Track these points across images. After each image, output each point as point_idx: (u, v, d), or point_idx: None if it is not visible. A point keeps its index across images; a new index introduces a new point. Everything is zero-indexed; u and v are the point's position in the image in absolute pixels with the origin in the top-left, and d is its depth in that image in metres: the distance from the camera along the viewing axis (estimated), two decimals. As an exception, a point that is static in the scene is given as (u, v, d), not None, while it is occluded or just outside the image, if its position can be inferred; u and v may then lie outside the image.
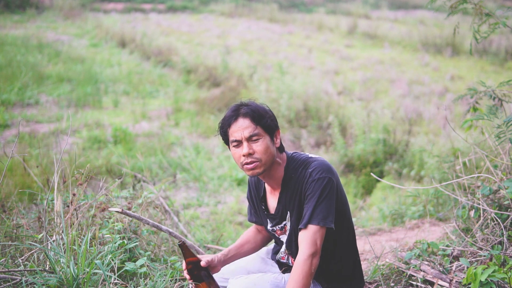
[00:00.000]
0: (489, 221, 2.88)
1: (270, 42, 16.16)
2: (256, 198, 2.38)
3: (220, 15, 22.45)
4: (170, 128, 8.20)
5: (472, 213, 3.06)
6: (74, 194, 2.84)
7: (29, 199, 4.25)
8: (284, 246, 2.33)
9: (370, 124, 7.17)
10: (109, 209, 2.77)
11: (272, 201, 2.31)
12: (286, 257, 2.37)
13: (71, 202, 2.81)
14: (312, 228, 2.07)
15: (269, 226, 2.35)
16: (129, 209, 3.08)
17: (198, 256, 2.20)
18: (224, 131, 2.19)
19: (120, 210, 2.72)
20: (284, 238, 2.33)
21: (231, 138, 2.16)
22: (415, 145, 6.53)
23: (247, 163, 2.13)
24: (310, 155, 2.23)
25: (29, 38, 13.66)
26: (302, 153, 2.28)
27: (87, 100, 9.16)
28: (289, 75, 10.79)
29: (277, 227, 2.31)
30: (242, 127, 2.13)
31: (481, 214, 2.93)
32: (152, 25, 18.29)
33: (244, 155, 2.12)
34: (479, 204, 2.95)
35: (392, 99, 9.36)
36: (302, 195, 2.16)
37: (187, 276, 2.15)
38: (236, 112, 2.16)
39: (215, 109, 9.19)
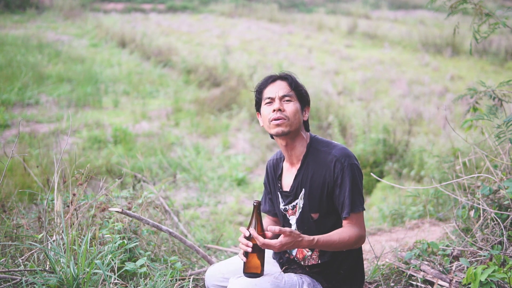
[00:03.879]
0: (489, 221, 2.89)
1: (270, 42, 16.16)
2: (274, 178, 2.44)
3: (220, 15, 22.46)
4: (170, 128, 8.20)
5: (472, 213, 3.06)
6: (74, 194, 2.84)
7: (29, 199, 4.25)
8: (294, 227, 2.34)
9: (370, 124, 7.17)
10: (109, 209, 2.77)
11: (288, 178, 2.35)
12: None
13: (71, 202, 2.81)
14: (355, 216, 2.19)
15: (281, 205, 2.37)
16: (129, 209, 3.08)
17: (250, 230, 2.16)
18: (259, 91, 2.32)
19: (120, 210, 2.72)
20: (293, 219, 2.34)
21: (265, 95, 2.28)
22: (415, 145, 6.53)
23: (275, 119, 2.21)
24: (331, 140, 2.33)
25: (29, 38, 13.66)
26: (323, 137, 2.37)
27: (87, 100, 9.16)
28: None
29: (289, 206, 2.34)
30: (278, 87, 2.27)
31: (481, 214, 2.93)
32: (152, 25, 18.30)
33: (274, 110, 2.22)
34: (479, 204, 2.95)
35: (392, 99, 9.37)
36: (325, 177, 2.21)
37: (244, 241, 2.13)
38: (275, 75, 2.33)
39: (215, 109, 9.19)
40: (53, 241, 2.64)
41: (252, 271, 2.16)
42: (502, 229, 2.73)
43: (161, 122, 8.42)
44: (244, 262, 2.16)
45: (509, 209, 2.88)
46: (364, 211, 2.25)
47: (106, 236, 2.74)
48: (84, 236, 2.73)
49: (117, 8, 22.52)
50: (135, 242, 2.78)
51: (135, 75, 11.41)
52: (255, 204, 2.14)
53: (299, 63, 12.66)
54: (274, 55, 13.79)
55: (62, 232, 2.62)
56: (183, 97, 9.87)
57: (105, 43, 14.98)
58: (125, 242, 2.73)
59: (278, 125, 2.22)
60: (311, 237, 2.08)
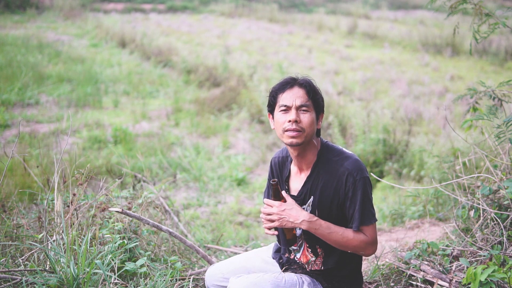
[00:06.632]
0: (489, 221, 2.89)
1: (270, 42, 16.16)
2: (279, 178, 2.40)
3: (220, 15, 22.47)
4: (170, 128, 8.20)
5: (472, 213, 3.06)
6: (74, 194, 2.84)
7: (29, 199, 4.25)
8: (300, 231, 2.32)
9: (370, 124, 7.17)
10: (109, 209, 2.77)
11: (296, 183, 2.31)
12: (299, 243, 2.35)
13: (71, 202, 2.81)
14: (365, 229, 2.16)
15: None
16: (129, 209, 3.08)
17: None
18: (274, 95, 2.24)
19: (120, 210, 2.72)
20: None
21: (281, 102, 2.19)
22: (415, 145, 6.52)
23: (290, 130, 2.16)
24: (343, 149, 2.28)
25: (29, 38, 13.67)
26: (334, 144, 2.32)
27: (87, 100, 9.16)
28: (289, 75, 10.77)
29: None
30: (296, 95, 2.18)
31: (481, 214, 2.93)
32: (152, 25, 18.30)
33: (290, 121, 2.15)
34: (479, 204, 2.95)
35: (392, 99, 9.36)
36: (336, 188, 2.18)
37: (265, 217, 2.15)
38: (293, 81, 2.23)
39: (215, 109, 9.19)
40: (53, 241, 2.64)
41: (290, 237, 2.19)
42: (502, 229, 2.73)
43: (161, 122, 8.42)
44: (278, 236, 2.18)
45: (509, 209, 2.89)
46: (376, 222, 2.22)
47: (106, 236, 2.74)
48: (84, 236, 2.73)
49: (117, 8, 22.54)
50: (135, 242, 2.78)
51: (135, 75, 11.41)
52: (273, 183, 2.14)
53: (299, 63, 12.66)
54: (274, 55, 13.79)
55: (62, 232, 2.62)
56: (183, 97, 9.87)
57: (105, 43, 14.98)
58: (125, 242, 2.73)
59: (292, 137, 2.16)
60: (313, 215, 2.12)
